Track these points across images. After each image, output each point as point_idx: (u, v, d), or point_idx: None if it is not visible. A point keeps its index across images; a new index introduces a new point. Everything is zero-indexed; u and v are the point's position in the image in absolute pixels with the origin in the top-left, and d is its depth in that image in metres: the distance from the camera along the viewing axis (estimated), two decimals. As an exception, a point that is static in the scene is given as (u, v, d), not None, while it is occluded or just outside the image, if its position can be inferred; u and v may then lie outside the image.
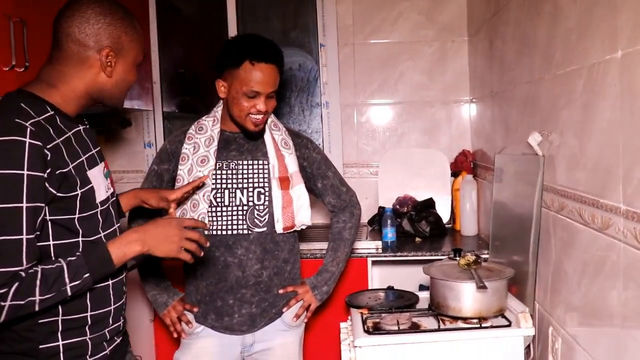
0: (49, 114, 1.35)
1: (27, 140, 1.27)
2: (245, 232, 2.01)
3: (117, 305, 1.51)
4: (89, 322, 1.43)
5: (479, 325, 1.84)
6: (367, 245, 2.75)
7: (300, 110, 3.49)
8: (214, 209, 2.00)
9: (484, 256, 2.20)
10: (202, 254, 1.58)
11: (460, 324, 1.88)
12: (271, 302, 2.06)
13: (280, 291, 2.07)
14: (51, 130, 1.33)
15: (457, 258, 2.04)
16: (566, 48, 1.69)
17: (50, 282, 1.27)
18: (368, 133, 3.41)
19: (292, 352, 2.12)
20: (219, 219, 2.00)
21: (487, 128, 2.86)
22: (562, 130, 1.73)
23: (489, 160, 2.79)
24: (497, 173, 2.39)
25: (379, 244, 2.79)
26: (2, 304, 1.23)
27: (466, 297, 1.85)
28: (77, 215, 1.37)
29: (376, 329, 1.88)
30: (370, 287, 2.63)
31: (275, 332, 2.07)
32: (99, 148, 1.53)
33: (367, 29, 3.35)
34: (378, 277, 2.78)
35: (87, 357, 1.43)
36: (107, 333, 1.48)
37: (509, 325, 1.84)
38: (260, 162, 2.04)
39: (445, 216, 3.14)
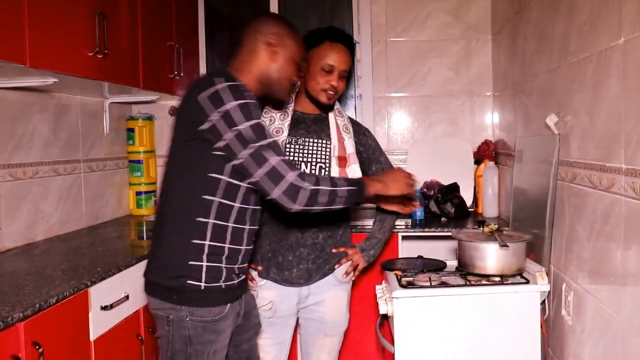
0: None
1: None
2: None
3: (247, 248, 1.85)
4: (226, 253, 1.77)
5: (500, 282, 2.09)
6: (398, 222, 2.88)
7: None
8: None
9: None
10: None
11: (484, 282, 2.12)
12: (325, 260, 2.29)
13: (334, 250, 2.30)
14: None
15: (482, 227, 2.31)
16: (579, 38, 1.92)
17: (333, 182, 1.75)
18: (398, 123, 3.63)
19: (341, 304, 2.36)
20: None
21: (509, 118, 3.08)
22: (575, 110, 1.97)
23: (509, 148, 2.99)
24: (517, 155, 2.61)
25: (409, 221, 3.03)
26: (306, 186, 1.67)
27: (490, 256, 2.08)
28: None
29: (410, 284, 2.14)
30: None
31: (327, 286, 2.30)
32: None
33: (399, 28, 3.59)
34: (407, 252, 2.93)
35: (221, 280, 1.77)
36: (236, 268, 1.82)
37: (527, 283, 2.07)
38: (324, 141, 2.29)
39: (468, 200, 3.34)
